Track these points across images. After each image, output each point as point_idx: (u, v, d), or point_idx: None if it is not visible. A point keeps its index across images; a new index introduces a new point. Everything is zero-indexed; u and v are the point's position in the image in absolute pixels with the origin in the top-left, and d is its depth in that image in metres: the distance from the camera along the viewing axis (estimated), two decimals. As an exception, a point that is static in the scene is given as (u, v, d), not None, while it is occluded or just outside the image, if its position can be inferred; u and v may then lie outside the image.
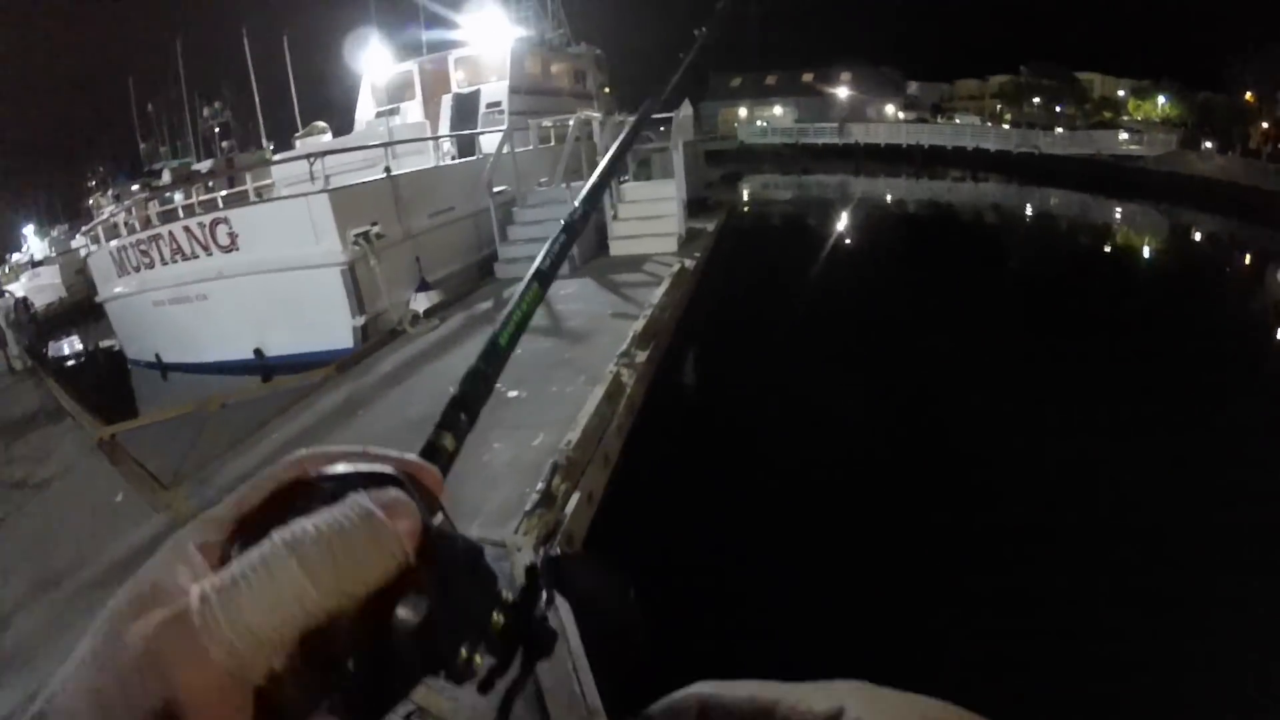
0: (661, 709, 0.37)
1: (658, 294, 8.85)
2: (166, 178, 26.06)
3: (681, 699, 0.37)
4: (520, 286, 0.64)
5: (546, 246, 0.70)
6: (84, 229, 15.56)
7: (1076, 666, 4.27)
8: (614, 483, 5.44)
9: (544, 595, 0.40)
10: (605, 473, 5.36)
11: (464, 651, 0.34)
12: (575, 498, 4.62)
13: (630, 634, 0.43)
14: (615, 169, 0.83)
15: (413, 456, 0.40)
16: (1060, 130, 43.01)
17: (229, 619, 0.28)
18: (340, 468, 0.36)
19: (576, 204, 0.80)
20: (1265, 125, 41.57)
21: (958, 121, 51.93)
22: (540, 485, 4.52)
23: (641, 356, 6.97)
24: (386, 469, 0.37)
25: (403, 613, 0.32)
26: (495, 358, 0.58)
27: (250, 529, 0.34)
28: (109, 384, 12.72)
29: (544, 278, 0.66)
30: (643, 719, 0.38)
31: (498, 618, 0.36)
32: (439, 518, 0.36)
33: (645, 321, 7.74)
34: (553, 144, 14.88)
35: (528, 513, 4.26)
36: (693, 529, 5.65)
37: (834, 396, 8.21)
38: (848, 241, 21.77)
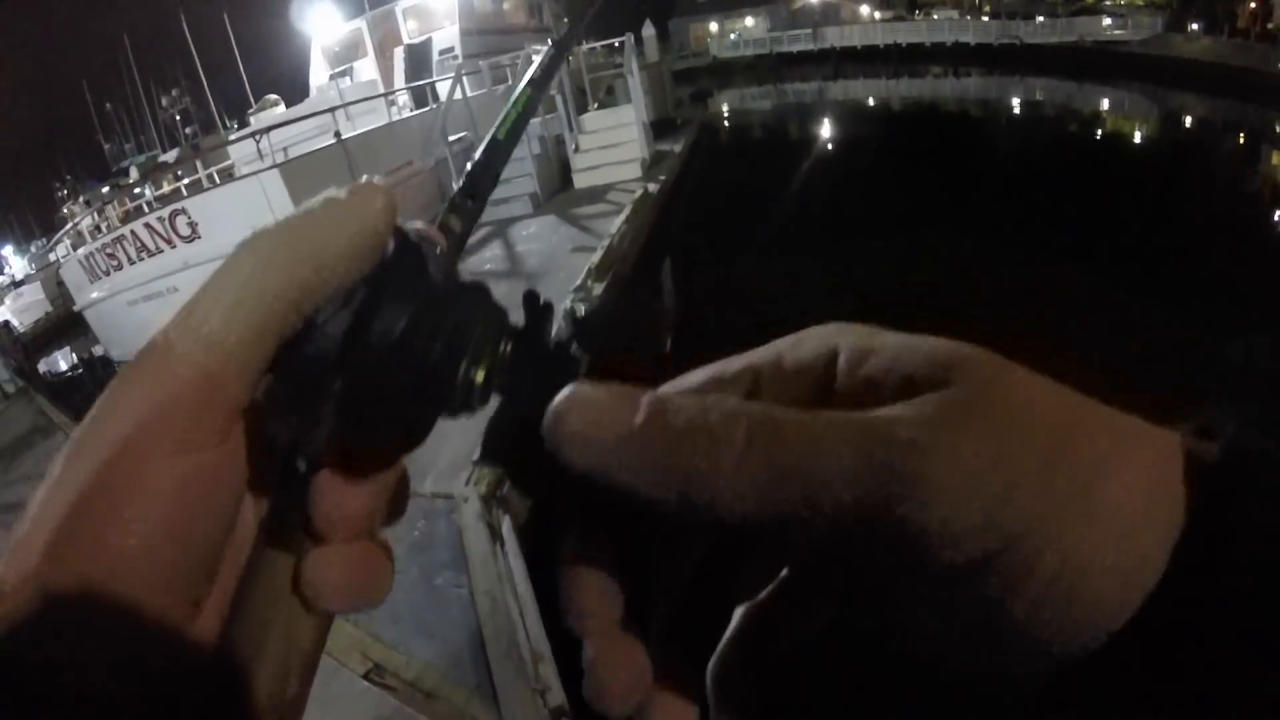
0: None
1: (617, 223, 8.72)
2: (134, 175, 25.90)
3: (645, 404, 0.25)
4: (516, 90, 0.68)
5: (539, 60, 0.73)
6: (55, 240, 15.56)
7: None
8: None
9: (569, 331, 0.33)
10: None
11: (462, 369, 0.29)
12: (529, 440, 4.54)
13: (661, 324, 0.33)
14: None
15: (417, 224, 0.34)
16: (1041, 19, 42.22)
17: (191, 327, 0.25)
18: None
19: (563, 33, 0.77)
20: (1253, 4, 40.56)
21: (935, 17, 50.74)
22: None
23: (599, 289, 6.87)
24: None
25: (384, 317, 0.28)
26: (496, 150, 0.61)
27: None
28: (98, 391, 12.70)
29: (536, 83, 0.68)
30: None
31: (505, 347, 0.31)
32: (437, 248, 0.31)
33: (603, 253, 7.63)
34: (510, 84, 14.59)
35: (475, 462, 4.21)
36: None
37: (811, 316, 7.99)
38: (826, 152, 21.34)
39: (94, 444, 0.25)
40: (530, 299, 0.34)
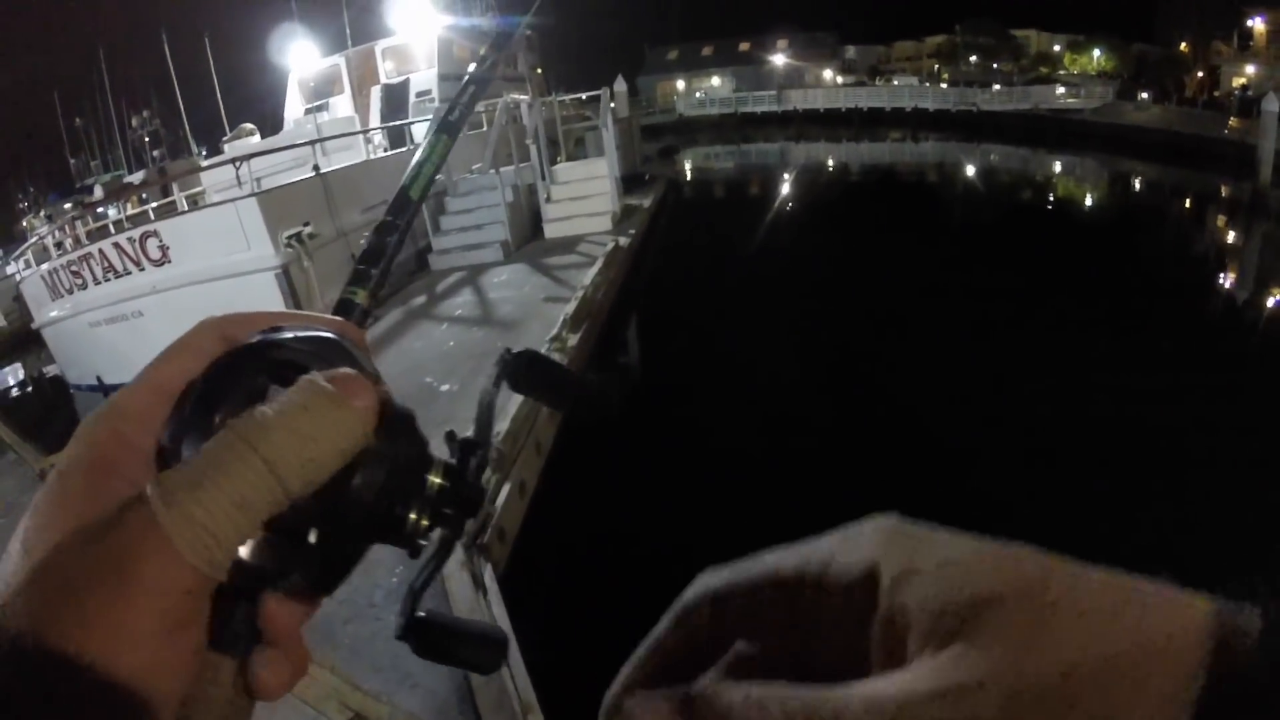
0: (668, 626, 0.33)
1: (590, 274, 8.85)
2: (98, 193, 25.49)
3: (689, 603, 0.32)
4: (429, 138, 0.64)
5: (454, 99, 0.71)
6: (16, 254, 15.21)
7: None
8: (548, 471, 5.43)
9: (475, 458, 0.40)
10: (538, 461, 5.36)
11: (410, 515, 0.35)
12: (506, 489, 4.63)
13: (598, 398, 0.46)
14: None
15: (332, 316, 0.40)
16: (997, 87, 43.71)
17: (199, 518, 0.27)
18: (280, 335, 0.35)
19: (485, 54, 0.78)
20: (1200, 74, 42.44)
21: (896, 83, 52.24)
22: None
23: (574, 339, 6.98)
24: (326, 333, 0.36)
25: (358, 486, 0.32)
26: (405, 209, 0.59)
27: (191, 413, 0.32)
28: (53, 412, 12.47)
29: (450, 128, 0.66)
30: (654, 641, 0.33)
31: (434, 479, 0.36)
32: (383, 387, 0.35)
33: (577, 304, 7.73)
34: (484, 129, 14.82)
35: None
36: (633, 516, 5.53)
37: (776, 368, 8.23)
38: (787, 210, 21.68)
39: (81, 612, 0.27)
40: (450, 437, 0.41)
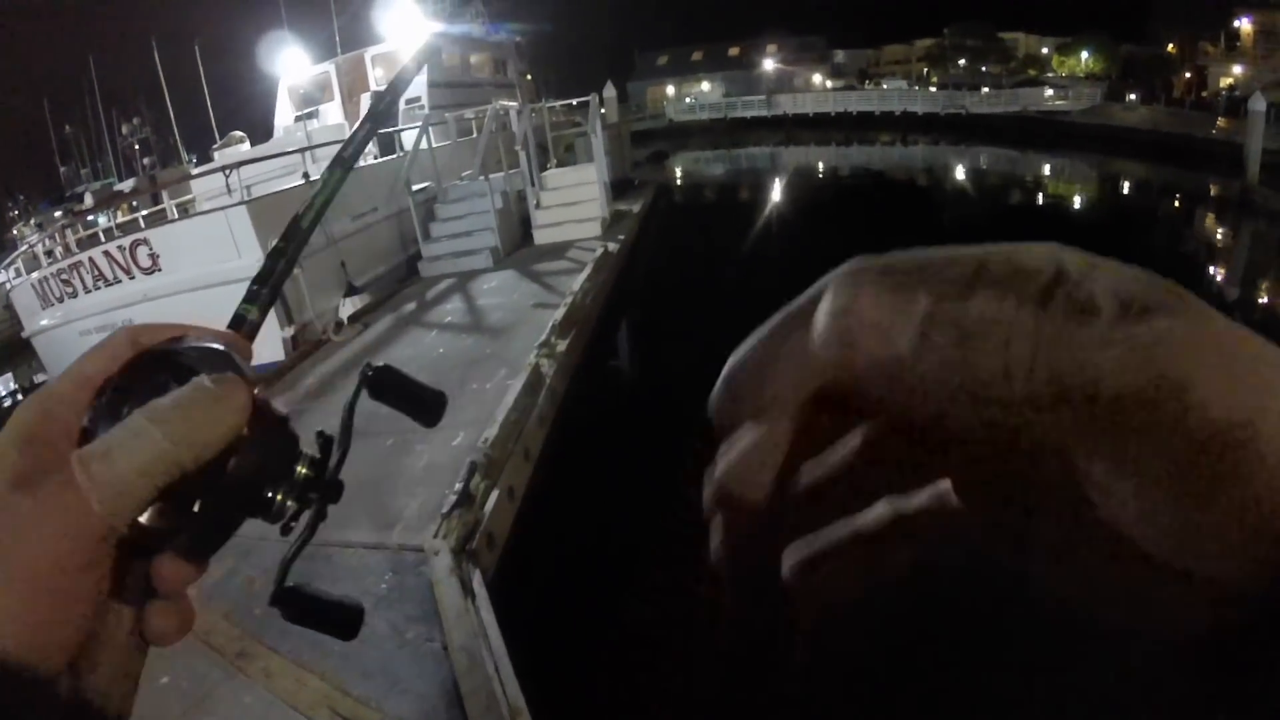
0: (829, 285, 0.29)
1: (580, 280, 8.88)
2: (89, 201, 25.47)
3: (855, 265, 0.29)
4: (324, 173, 0.67)
5: (350, 134, 0.71)
6: (4, 263, 15.15)
7: None
8: (537, 477, 5.43)
9: (337, 454, 0.47)
10: (527, 467, 5.36)
11: (278, 496, 0.43)
12: (495, 495, 4.63)
13: (435, 403, 0.52)
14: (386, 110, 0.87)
15: (225, 330, 0.47)
16: (986, 89, 43.85)
17: (108, 479, 0.34)
18: (180, 344, 0.42)
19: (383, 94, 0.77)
20: (1187, 75, 42.63)
21: (885, 87, 52.44)
22: (458, 485, 4.51)
23: (562, 345, 6.98)
24: (217, 345, 0.43)
25: (236, 464, 0.39)
26: (295, 236, 0.62)
27: (107, 402, 0.39)
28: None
29: (345, 164, 0.68)
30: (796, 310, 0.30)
31: (301, 469, 0.44)
32: (258, 388, 0.42)
33: (566, 310, 7.76)
34: (474, 136, 14.83)
35: (445, 515, 4.26)
36: (622, 522, 5.48)
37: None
38: (778, 214, 21.74)
39: (18, 550, 0.33)
40: (321, 436, 0.47)
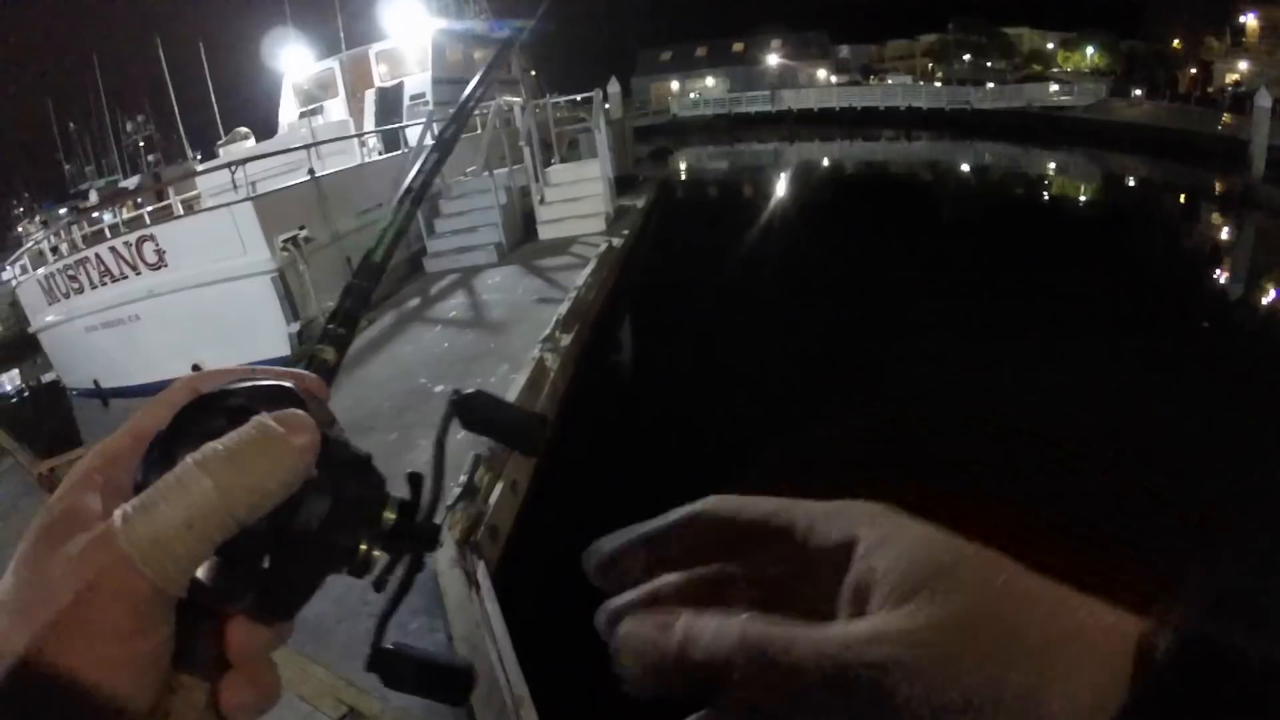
0: (679, 520, 0.38)
1: (583, 276, 8.92)
2: (94, 198, 25.53)
3: (701, 510, 0.38)
4: (394, 206, 0.66)
5: (417, 166, 0.71)
6: (11, 259, 15.20)
7: None
8: (540, 471, 5.48)
9: (429, 496, 0.44)
10: (530, 460, 5.40)
11: (362, 546, 0.39)
12: (499, 488, 4.70)
13: (533, 435, 0.50)
14: (477, 100, 0.90)
15: (295, 370, 0.44)
16: (990, 85, 43.64)
17: (152, 536, 0.31)
18: (238, 384, 0.39)
19: (446, 123, 0.81)
20: (1192, 70, 42.51)
21: (889, 82, 52.24)
22: (462, 478, 4.48)
23: (566, 340, 7.03)
24: (283, 382, 0.39)
25: (304, 516, 0.35)
26: (369, 271, 0.61)
27: (158, 453, 0.36)
28: (51, 417, 12.50)
29: (415, 196, 0.68)
30: (657, 530, 0.39)
31: (388, 514, 0.40)
32: (335, 427, 0.39)
33: (570, 304, 7.79)
34: (478, 132, 14.85)
35: (449, 507, 4.27)
36: (624, 514, 5.55)
37: (770, 366, 8.27)
38: (781, 210, 21.68)
39: (49, 617, 0.30)
40: (413, 477, 0.44)
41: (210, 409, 0.37)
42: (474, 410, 0.49)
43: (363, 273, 0.60)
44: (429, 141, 11.81)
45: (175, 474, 0.33)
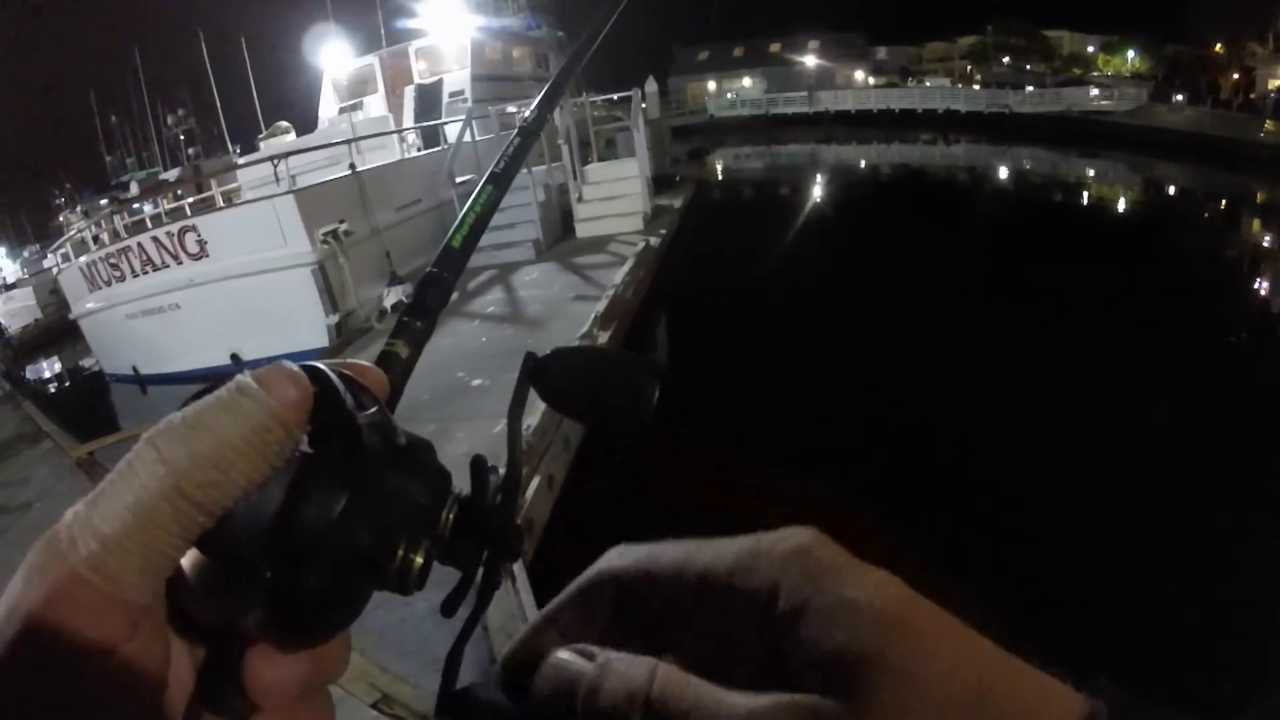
0: (571, 594, 0.34)
1: (621, 274, 8.93)
2: (134, 190, 25.89)
3: (596, 577, 0.33)
4: (476, 189, 0.61)
5: (502, 150, 0.67)
6: (53, 248, 15.46)
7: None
8: (576, 466, 5.50)
9: (504, 486, 0.37)
10: (567, 455, 5.43)
11: (401, 551, 0.31)
12: (535, 482, 4.71)
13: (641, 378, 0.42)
14: (565, 82, 0.86)
15: (358, 361, 0.36)
16: (1030, 89, 43.22)
17: (92, 526, 0.25)
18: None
19: (532, 108, 0.76)
20: (1235, 75, 41.80)
21: (927, 84, 51.90)
22: (501, 471, 4.56)
23: (603, 338, 7.05)
24: (319, 366, 0.31)
25: (311, 510, 0.28)
26: (450, 260, 0.55)
27: None
28: (90, 402, 12.68)
29: (498, 179, 0.63)
30: (553, 609, 0.34)
31: (448, 515, 0.33)
32: (372, 411, 0.31)
33: (607, 302, 7.82)
34: (516, 130, 14.86)
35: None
36: (660, 509, 5.58)
37: (804, 368, 8.29)
38: (818, 212, 21.65)
39: (12, 637, 0.24)
40: (477, 464, 0.36)
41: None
42: (557, 374, 0.41)
43: (443, 261, 0.55)
44: (467, 140, 11.89)
45: (128, 455, 0.27)
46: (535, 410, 5.40)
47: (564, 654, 0.31)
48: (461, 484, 0.35)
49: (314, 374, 0.30)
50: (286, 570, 0.27)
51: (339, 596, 0.29)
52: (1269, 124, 24.41)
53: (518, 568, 3.92)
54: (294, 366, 0.29)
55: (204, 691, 0.29)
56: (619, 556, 0.33)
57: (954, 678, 0.25)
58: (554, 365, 0.41)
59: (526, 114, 0.75)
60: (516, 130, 0.71)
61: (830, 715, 0.25)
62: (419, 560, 0.31)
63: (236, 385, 0.28)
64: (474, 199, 0.60)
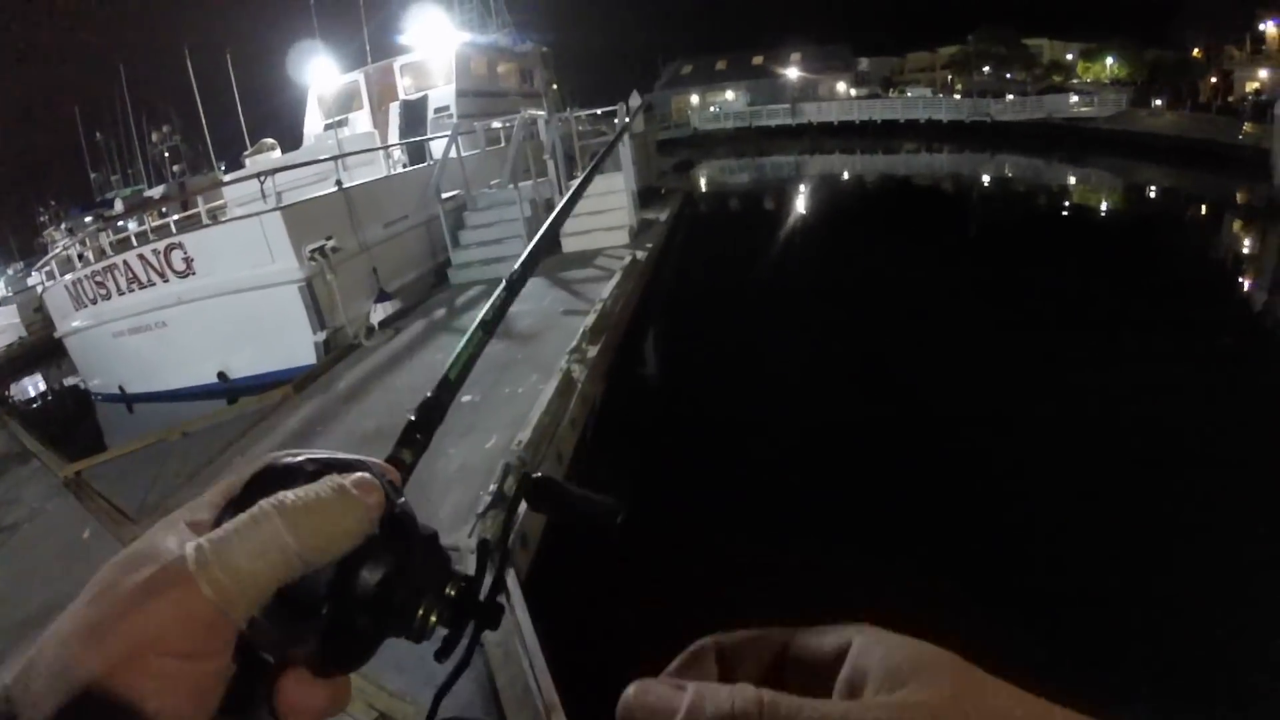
0: (681, 660, 0.39)
1: (609, 288, 8.96)
2: (119, 207, 25.72)
3: (697, 647, 0.39)
4: (467, 333, 0.67)
5: (491, 300, 0.75)
6: (38, 265, 15.38)
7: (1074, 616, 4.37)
8: (570, 478, 5.49)
9: (491, 574, 0.47)
10: (560, 470, 5.43)
11: (421, 611, 0.41)
12: (527, 500, 4.72)
13: (604, 518, 0.52)
14: (561, 220, 0.94)
15: (374, 459, 0.46)
16: (1011, 97, 43.43)
17: (220, 560, 0.33)
18: (316, 458, 0.41)
19: (517, 266, 0.83)
20: (1213, 79, 42.23)
21: (909, 94, 52.15)
22: (492, 487, 4.58)
23: (593, 351, 7.06)
24: (356, 458, 0.42)
25: (366, 573, 0.38)
26: (447, 389, 0.62)
27: (236, 507, 0.38)
28: (75, 421, 12.60)
29: (487, 325, 0.71)
30: (665, 675, 0.39)
31: (451, 589, 0.43)
32: (403, 500, 0.42)
33: (596, 316, 7.83)
34: (502, 145, 14.94)
35: (480, 515, 4.33)
36: (653, 521, 5.56)
37: (792, 377, 8.30)
38: (803, 222, 21.72)
39: (116, 635, 0.32)
40: (482, 547, 0.48)
41: (288, 472, 0.40)
42: (543, 495, 0.52)
43: (441, 389, 0.62)
44: (453, 155, 11.89)
45: (249, 512, 0.36)
46: (528, 425, 5.44)
47: (650, 681, 0.36)
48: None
49: (366, 469, 0.41)
50: (344, 614, 0.37)
51: (375, 638, 0.39)
52: (1248, 126, 24.64)
53: (512, 582, 3.95)
54: (375, 479, 0.40)
55: (231, 703, 0.35)
56: (712, 636, 0.40)
57: (992, 687, 0.32)
58: (544, 487, 0.52)
59: (513, 269, 0.82)
60: (504, 283, 0.78)
61: (907, 701, 0.31)
62: (433, 619, 0.42)
63: (341, 486, 0.38)
64: (466, 341, 0.67)
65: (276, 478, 0.39)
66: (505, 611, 0.46)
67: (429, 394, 0.62)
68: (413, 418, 0.59)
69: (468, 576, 0.44)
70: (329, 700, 0.38)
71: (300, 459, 0.41)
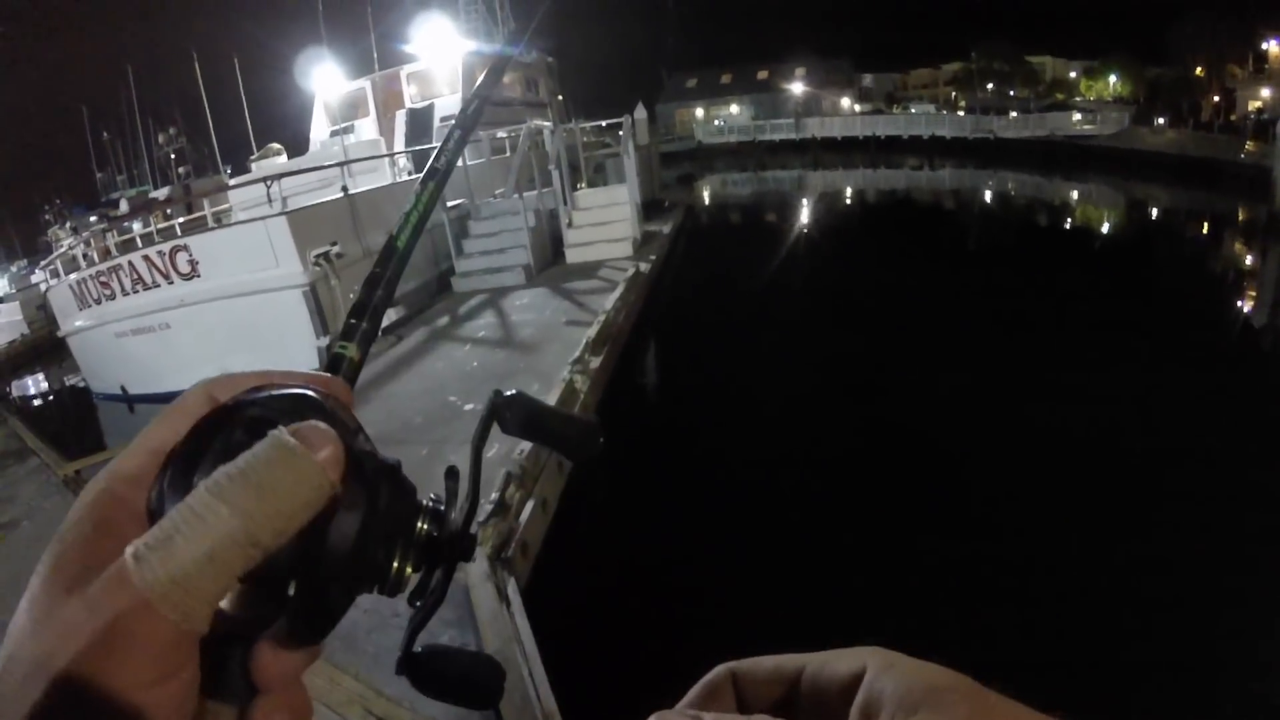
0: (698, 690, 0.39)
1: (612, 299, 8.98)
2: (124, 207, 25.84)
3: (714, 676, 0.39)
4: (417, 186, 0.62)
5: (440, 144, 0.67)
6: (43, 264, 15.40)
7: (1074, 637, 4.35)
8: (570, 489, 5.52)
9: (465, 503, 0.42)
10: (560, 479, 5.46)
11: (395, 564, 0.37)
12: (530, 505, 4.74)
13: (584, 440, 0.48)
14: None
15: (318, 372, 0.41)
16: (1014, 114, 43.52)
17: (169, 574, 0.28)
18: (259, 394, 0.36)
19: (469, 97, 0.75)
20: (1215, 98, 42.36)
21: (913, 111, 52.35)
22: (494, 495, 4.60)
23: (595, 362, 7.09)
24: (305, 389, 0.37)
25: (336, 534, 0.33)
26: (392, 259, 0.57)
27: (173, 474, 0.33)
28: (76, 420, 12.63)
29: (438, 175, 0.64)
30: (683, 705, 0.39)
31: (421, 526, 0.39)
32: (359, 436, 0.36)
33: (599, 327, 7.86)
34: (506, 154, 15.00)
35: (481, 524, 4.35)
36: (653, 531, 5.68)
37: (793, 390, 8.34)
38: (805, 237, 21.69)
39: (71, 668, 0.28)
40: (450, 474, 0.43)
41: (227, 422, 0.35)
42: (515, 413, 0.46)
43: (385, 259, 0.56)
44: (458, 163, 11.97)
45: (189, 504, 0.30)
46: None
47: (670, 714, 0.36)
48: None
49: (315, 407, 0.36)
50: (312, 587, 0.33)
51: (347, 601, 0.35)
52: (1250, 144, 24.74)
53: (513, 590, 3.98)
54: (324, 425, 0.34)
55: (208, 683, 0.32)
56: (727, 664, 0.40)
57: (1005, 710, 0.33)
58: (516, 404, 0.47)
59: (463, 106, 0.74)
60: (455, 122, 0.72)
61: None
62: (409, 570, 0.38)
63: (290, 449, 0.32)
64: (416, 197, 0.61)
65: (215, 429, 0.34)
66: (475, 541, 0.42)
67: (374, 268, 0.55)
68: (354, 298, 0.54)
69: (437, 509, 0.40)
70: (306, 660, 0.35)
71: (241, 399, 0.36)
